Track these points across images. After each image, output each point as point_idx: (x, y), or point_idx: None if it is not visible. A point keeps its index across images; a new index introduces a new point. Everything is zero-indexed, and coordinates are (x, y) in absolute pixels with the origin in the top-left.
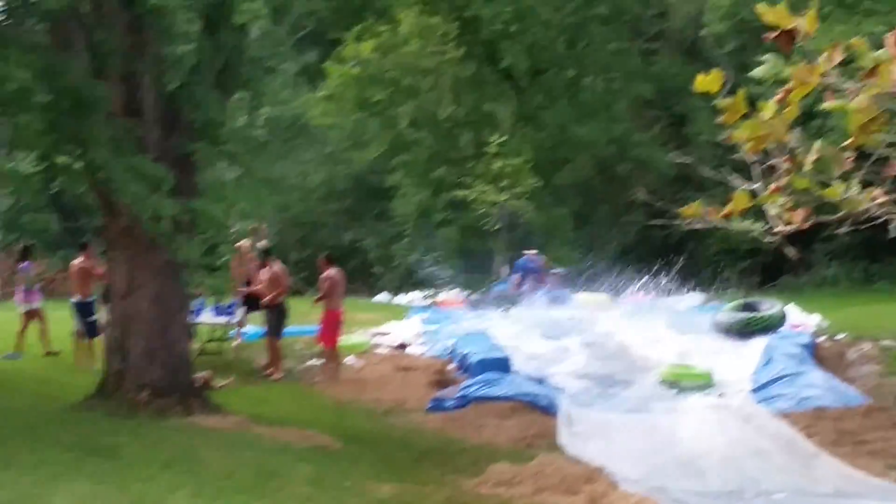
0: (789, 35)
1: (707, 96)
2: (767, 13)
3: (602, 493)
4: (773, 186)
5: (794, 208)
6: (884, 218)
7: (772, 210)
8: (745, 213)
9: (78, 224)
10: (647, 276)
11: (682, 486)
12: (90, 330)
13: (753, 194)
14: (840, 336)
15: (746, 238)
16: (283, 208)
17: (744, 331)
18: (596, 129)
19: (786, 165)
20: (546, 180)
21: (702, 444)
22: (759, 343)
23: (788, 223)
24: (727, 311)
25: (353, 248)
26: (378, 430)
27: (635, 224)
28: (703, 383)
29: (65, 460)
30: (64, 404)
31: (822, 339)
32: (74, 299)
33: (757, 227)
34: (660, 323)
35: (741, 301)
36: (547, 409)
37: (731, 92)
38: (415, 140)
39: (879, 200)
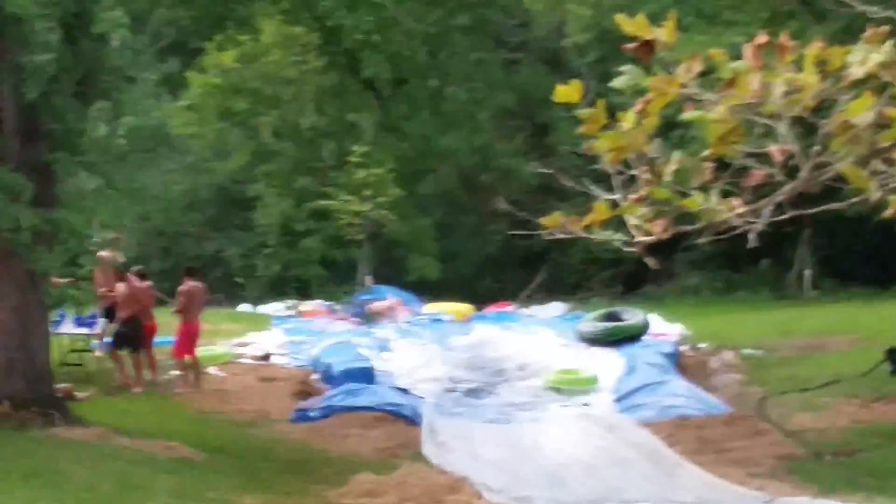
0: (648, 46)
1: (568, 106)
2: (626, 24)
3: (466, 503)
4: (632, 197)
5: (654, 219)
6: (742, 229)
7: (632, 220)
8: (605, 224)
9: None
10: (510, 286)
11: (547, 496)
12: None
13: (614, 205)
14: (702, 345)
15: (609, 248)
16: (144, 218)
17: (607, 340)
18: (458, 140)
19: (646, 176)
20: (409, 190)
21: (565, 453)
22: (622, 352)
23: (648, 234)
24: (590, 320)
25: (216, 258)
26: (241, 442)
27: (499, 234)
28: (590, 388)
29: None
30: None
31: (684, 347)
32: None
33: (617, 238)
34: (522, 332)
35: (604, 311)
36: (411, 419)
37: (593, 103)
38: (277, 150)
39: (738, 210)
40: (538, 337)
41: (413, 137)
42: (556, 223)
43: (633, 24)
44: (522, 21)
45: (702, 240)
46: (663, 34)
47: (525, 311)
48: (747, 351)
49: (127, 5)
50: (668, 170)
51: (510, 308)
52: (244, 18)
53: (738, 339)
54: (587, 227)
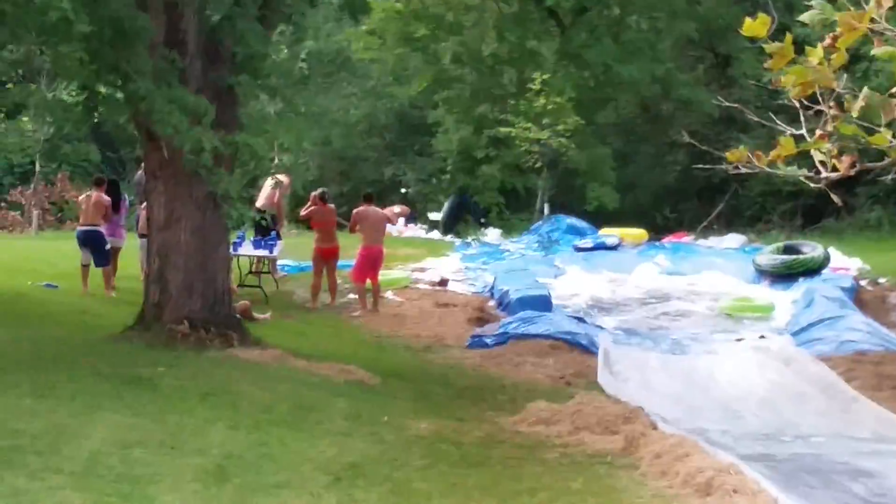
0: None
1: (755, 39)
2: None
3: (640, 433)
4: (819, 133)
5: (839, 155)
6: None
7: (818, 156)
8: (790, 159)
9: (118, 155)
10: (689, 217)
11: (721, 429)
12: (105, 258)
13: (799, 139)
14: (882, 280)
15: (789, 180)
16: (324, 143)
17: (785, 273)
18: (639, 69)
19: (832, 112)
20: (588, 119)
21: (740, 386)
22: (800, 285)
23: (834, 170)
24: (768, 253)
25: (395, 183)
26: (416, 366)
27: (678, 164)
28: (765, 315)
29: (103, 391)
30: (102, 335)
31: (863, 282)
32: (85, 227)
33: (802, 173)
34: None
35: (783, 243)
36: (587, 348)
37: (779, 34)
38: (457, 77)
39: None
40: (714, 267)
41: (593, 66)
42: (740, 157)
43: None
44: None
45: (888, 177)
46: None
47: (703, 242)
48: None
49: None
50: (856, 106)
51: (688, 239)
52: None
53: None
54: (772, 163)
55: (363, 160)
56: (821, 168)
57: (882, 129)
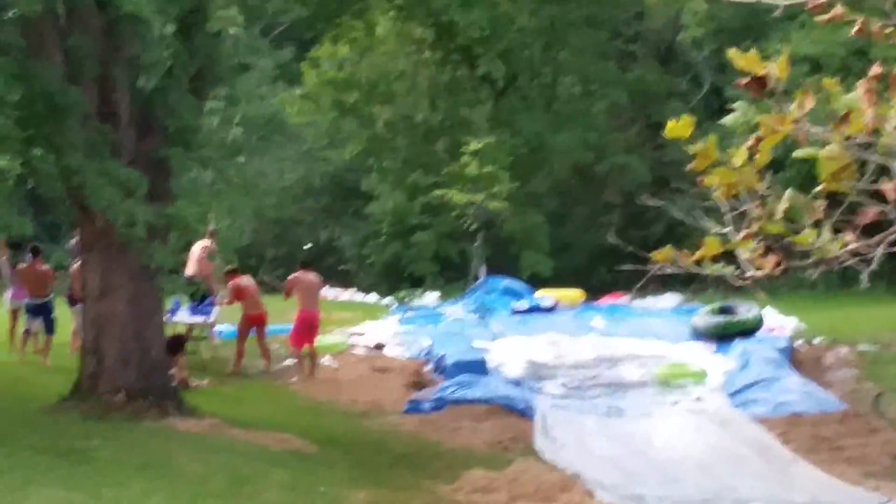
0: (761, 81)
1: (683, 101)
2: (738, 59)
3: (578, 502)
4: (744, 233)
5: (765, 254)
6: (849, 262)
7: (744, 255)
8: (716, 258)
9: (54, 219)
10: (624, 277)
11: (659, 494)
12: (53, 326)
13: (725, 239)
14: (817, 340)
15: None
16: (258, 209)
17: (721, 334)
18: (572, 137)
19: (757, 212)
20: (522, 183)
21: (678, 449)
22: (736, 346)
23: (759, 269)
24: (704, 314)
25: (330, 247)
26: (354, 433)
27: (613, 225)
28: (698, 382)
29: (37, 464)
30: (37, 406)
31: (799, 342)
32: (37, 300)
33: (728, 272)
34: (637, 325)
35: (718, 304)
36: (523, 413)
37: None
38: (391, 143)
39: (851, 247)
40: (650, 329)
41: (526, 133)
42: (666, 257)
43: (744, 59)
44: (638, 12)
45: (814, 274)
46: (776, 69)
47: (639, 302)
48: (863, 346)
49: (240, 2)
50: (780, 208)
51: (623, 300)
52: (359, 11)
53: (853, 333)
54: (698, 262)
55: (298, 224)
56: (746, 267)
57: (806, 229)
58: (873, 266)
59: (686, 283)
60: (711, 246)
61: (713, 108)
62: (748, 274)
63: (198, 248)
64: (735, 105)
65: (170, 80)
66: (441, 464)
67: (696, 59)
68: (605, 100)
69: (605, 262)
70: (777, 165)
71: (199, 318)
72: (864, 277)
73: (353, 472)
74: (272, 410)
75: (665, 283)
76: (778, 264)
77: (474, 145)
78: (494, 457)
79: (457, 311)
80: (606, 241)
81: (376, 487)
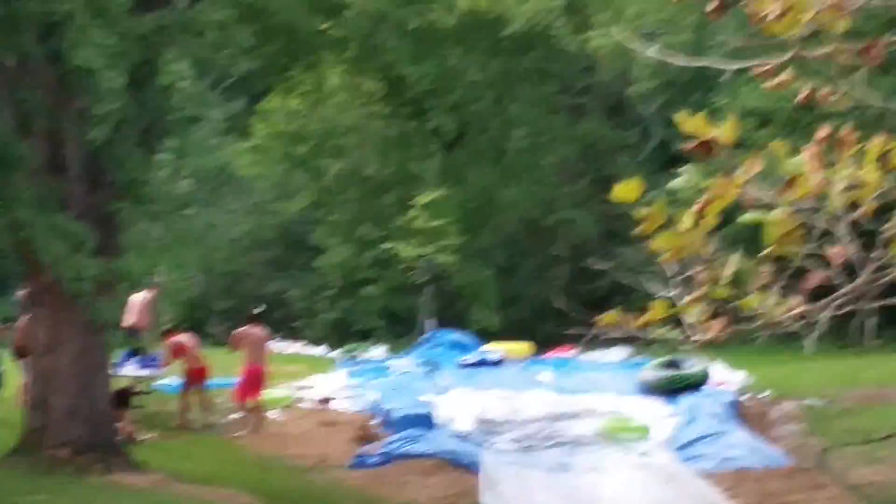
0: (707, 145)
1: (632, 153)
2: (686, 122)
3: None
4: (690, 297)
5: (712, 317)
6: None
7: (690, 319)
8: (663, 321)
9: (1, 272)
10: (571, 330)
11: None
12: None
13: (672, 302)
14: (763, 394)
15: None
16: (207, 261)
17: (668, 388)
18: (521, 192)
19: (703, 276)
20: (471, 237)
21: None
22: (683, 401)
23: (706, 333)
24: (651, 368)
25: (278, 299)
26: (300, 488)
27: (562, 278)
28: (640, 437)
29: None
30: None
31: (745, 397)
32: None
33: (674, 336)
34: (584, 379)
35: (665, 358)
36: (470, 468)
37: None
38: (340, 197)
39: (797, 311)
40: (598, 383)
41: (475, 188)
42: (611, 321)
43: (692, 123)
44: (588, 65)
45: (760, 339)
46: (723, 133)
47: (586, 356)
48: (809, 401)
49: (191, 55)
50: (726, 272)
51: (571, 353)
52: (308, 66)
53: (799, 388)
54: (644, 326)
55: (247, 276)
56: (692, 332)
57: (753, 293)
58: (818, 331)
59: (633, 336)
60: (658, 310)
61: (662, 160)
62: (694, 338)
63: (138, 298)
64: (682, 170)
65: (119, 133)
66: None
67: (646, 113)
68: (555, 154)
69: (552, 315)
70: (724, 227)
71: (146, 372)
72: (808, 343)
73: None
74: (219, 465)
75: (612, 336)
76: (724, 328)
77: (423, 198)
78: None
79: (404, 364)
80: (554, 293)
81: None
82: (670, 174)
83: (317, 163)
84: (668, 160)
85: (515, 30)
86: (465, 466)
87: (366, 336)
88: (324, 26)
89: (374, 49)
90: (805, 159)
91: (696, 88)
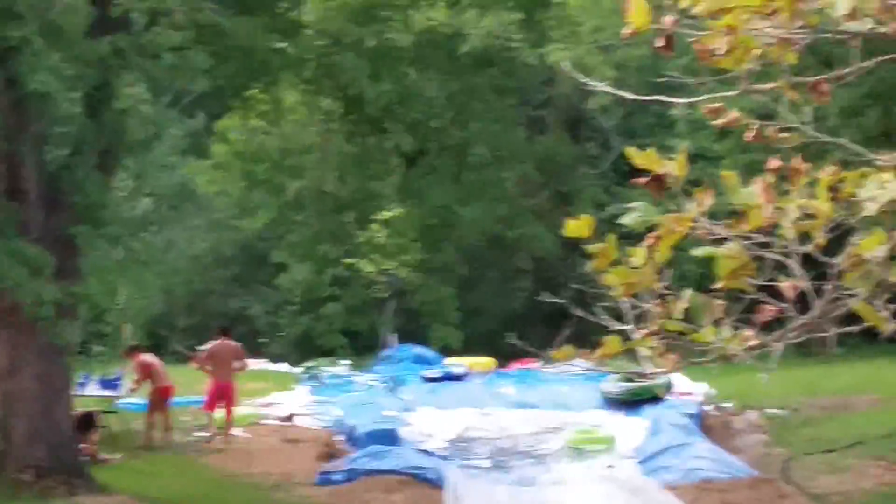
0: (659, 180)
1: (592, 165)
2: (637, 157)
3: None
4: (644, 332)
5: (665, 352)
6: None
7: (644, 352)
8: (617, 355)
9: None
10: (535, 343)
11: None
12: None
13: (624, 334)
14: (726, 405)
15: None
16: (168, 280)
17: (630, 400)
18: (481, 209)
19: (656, 311)
20: (431, 254)
21: None
22: (647, 412)
23: (660, 366)
24: (613, 380)
25: (241, 316)
26: None
27: (524, 290)
28: (607, 448)
29: None
30: None
31: (708, 408)
32: None
33: (628, 371)
34: (547, 392)
35: (628, 370)
36: (434, 483)
37: (619, 161)
38: (300, 215)
39: (750, 344)
40: (561, 396)
41: (434, 206)
42: (566, 356)
43: (643, 158)
44: (547, 78)
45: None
46: (674, 168)
47: (549, 368)
48: (771, 411)
49: (148, 78)
50: (679, 307)
51: (534, 365)
52: (267, 86)
53: (762, 398)
54: (599, 360)
55: (210, 293)
56: (646, 365)
57: (705, 327)
58: (773, 365)
59: (596, 347)
60: (612, 344)
61: (622, 171)
62: (649, 372)
63: None
64: (633, 204)
65: (77, 156)
66: None
67: (606, 125)
68: (515, 169)
69: (515, 327)
70: (676, 261)
71: (110, 392)
72: (764, 377)
73: None
74: (183, 484)
75: (576, 348)
76: (678, 362)
77: (384, 215)
78: None
79: (368, 379)
80: (517, 306)
81: None
82: (630, 186)
83: (276, 181)
84: (628, 171)
85: (473, 46)
86: (430, 482)
87: (329, 353)
88: (281, 46)
89: (332, 68)
90: (756, 191)
91: (654, 102)
